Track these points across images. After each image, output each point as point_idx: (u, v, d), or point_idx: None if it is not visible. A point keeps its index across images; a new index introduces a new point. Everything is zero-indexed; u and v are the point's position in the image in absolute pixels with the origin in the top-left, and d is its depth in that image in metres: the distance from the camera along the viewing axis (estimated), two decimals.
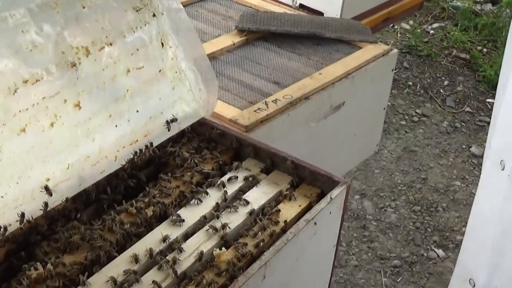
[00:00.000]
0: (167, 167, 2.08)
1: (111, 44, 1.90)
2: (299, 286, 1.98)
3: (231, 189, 1.97)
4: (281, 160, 2.06)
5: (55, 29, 1.75)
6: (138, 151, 1.97)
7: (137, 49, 1.97)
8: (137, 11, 1.95)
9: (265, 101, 2.83)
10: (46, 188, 1.74)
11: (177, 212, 1.86)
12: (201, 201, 1.91)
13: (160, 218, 1.87)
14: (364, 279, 4.02)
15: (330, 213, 1.94)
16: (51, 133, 1.75)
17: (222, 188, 1.96)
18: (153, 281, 1.62)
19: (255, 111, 2.76)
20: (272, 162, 2.08)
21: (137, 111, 1.98)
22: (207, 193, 1.93)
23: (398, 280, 4.02)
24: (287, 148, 2.18)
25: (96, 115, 1.87)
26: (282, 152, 2.08)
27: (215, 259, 1.71)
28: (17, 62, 1.63)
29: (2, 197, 1.65)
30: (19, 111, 1.65)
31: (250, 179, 2.01)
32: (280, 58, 3.21)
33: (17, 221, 1.69)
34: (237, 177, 2.01)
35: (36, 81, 1.68)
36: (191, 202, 1.91)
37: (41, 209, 1.74)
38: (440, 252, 4.25)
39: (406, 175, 4.85)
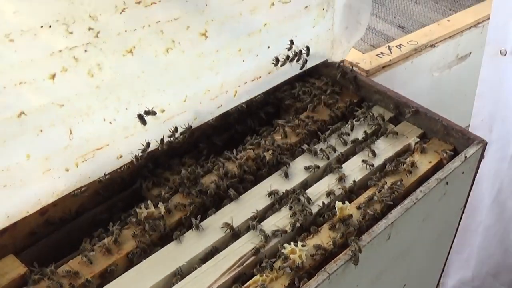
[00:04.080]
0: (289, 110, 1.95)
1: None
2: (422, 247, 1.82)
3: (355, 137, 1.82)
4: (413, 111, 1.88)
5: None
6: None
7: None
8: None
9: (389, 46, 2.66)
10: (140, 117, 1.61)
11: (295, 161, 1.73)
12: (322, 151, 1.76)
13: (277, 164, 1.74)
14: None
15: (463, 173, 1.76)
16: (167, 60, 1.62)
17: (344, 136, 1.81)
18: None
19: (377, 55, 2.60)
20: (400, 112, 1.91)
21: (268, 47, 1.84)
22: (325, 141, 1.79)
23: None
24: (408, 97, 1.99)
25: (225, 48, 1.73)
26: (413, 102, 1.90)
27: (337, 213, 1.57)
28: None
29: (110, 122, 1.56)
30: (125, 31, 1.50)
31: (376, 128, 1.85)
32: (406, 1, 3.00)
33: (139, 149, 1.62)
34: (366, 123, 1.87)
35: (152, 4, 1.52)
36: (309, 150, 1.76)
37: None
38: None
39: None
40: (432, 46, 2.73)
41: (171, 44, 1.62)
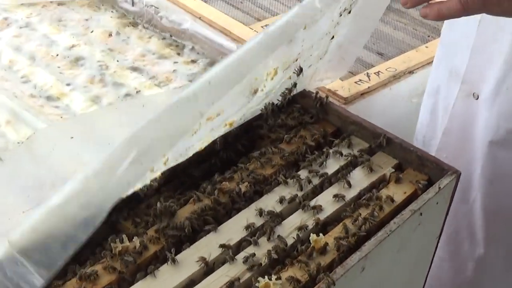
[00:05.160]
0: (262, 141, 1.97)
1: (296, 60, 1.83)
2: (398, 278, 1.84)
3: (331, 168, 1.84)
4: (386, 141, 1.91)
5: None
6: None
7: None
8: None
9: (367, 73, 2.70)
10: None
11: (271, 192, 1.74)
12: (297, 182, 1.78)
13: (255, 194, 1.76)
14: None
15: (437, 203, 1.79)
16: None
17: (320, 167, 1.83)
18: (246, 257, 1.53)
19: (356, 82, 2.64)
20: (375, 142, 1.93)
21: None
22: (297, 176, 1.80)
23: None
24: (387, 124, 2.03)
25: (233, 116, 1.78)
26: (388, 132, 1.92)
27: (312, 245, 1.58)
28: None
29: None
30: None
31: (352, 159, 1.87)
32: (385, 27, 3.04)
33: None
34: (341, 154, 1.89)
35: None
36: (285, 182, 1.78)
37: None
38: None
39: None
40: (411, 72, 2.76)
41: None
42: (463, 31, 2.25)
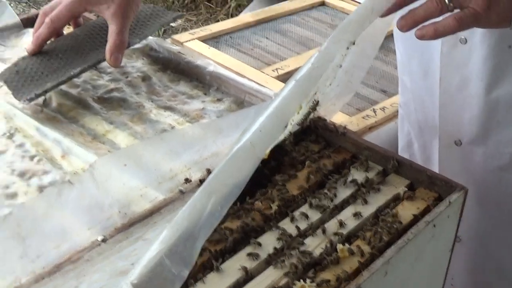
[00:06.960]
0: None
1: (315, 93, 2.08)
2: (417, 285, 2.02)
3: (350, 189, 2.04)
4: (398, 163, 2.11)
5: None
6: None
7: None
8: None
9: (373, 109, 2.91)
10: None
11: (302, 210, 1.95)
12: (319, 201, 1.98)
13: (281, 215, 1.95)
14: None
15: (448, 217, 1.98)
16: None
17: (339, 188, 2.04)
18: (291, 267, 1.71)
19: (363, 117, 2.85)
20: (388, 165, 2.13)
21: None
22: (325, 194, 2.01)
23: None
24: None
25: None
26: (398, 155, 2.13)
27: (339, 254, 1.78)
28: None
29: None
30: None
31: (368, 181, 2.07)
32: (387, 67, 3.27)
33: None
34: (359, 177, 2.09)
35: None
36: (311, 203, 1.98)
37: None
38: None
39: None
40: None
41: None
42: (423, 89, 2.44)
